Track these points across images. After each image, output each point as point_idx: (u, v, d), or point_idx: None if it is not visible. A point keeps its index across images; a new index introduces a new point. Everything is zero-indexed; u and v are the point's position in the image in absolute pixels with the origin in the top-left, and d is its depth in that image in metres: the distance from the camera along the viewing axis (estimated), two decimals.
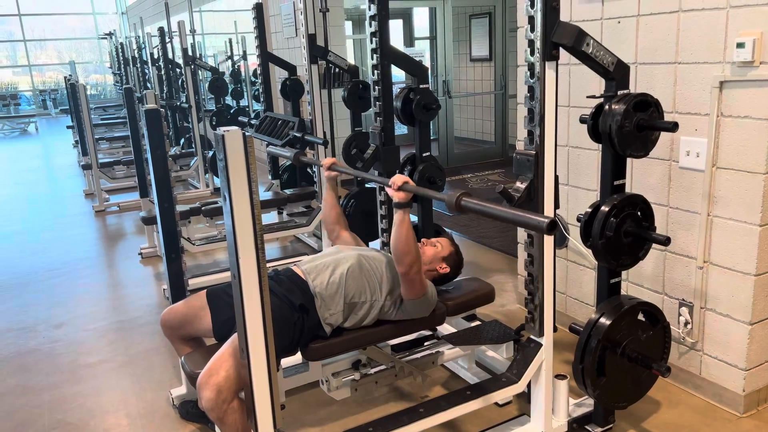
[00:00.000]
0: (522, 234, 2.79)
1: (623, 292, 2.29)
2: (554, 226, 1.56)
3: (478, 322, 2.80)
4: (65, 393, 2.87)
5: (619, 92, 1.99)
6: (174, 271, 2.76)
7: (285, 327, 2.10)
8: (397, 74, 5.17)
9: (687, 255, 2.49)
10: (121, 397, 2.81)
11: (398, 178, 2.11)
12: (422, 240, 2.61)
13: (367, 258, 2.34)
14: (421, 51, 8.95)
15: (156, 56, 8.53)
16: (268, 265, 1.80)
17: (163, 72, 8.04)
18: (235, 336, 1.95)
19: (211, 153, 6.53)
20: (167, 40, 7.59)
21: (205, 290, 2.37)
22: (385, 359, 2.43)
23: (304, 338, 2.17)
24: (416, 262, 2.17)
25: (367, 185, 4.05)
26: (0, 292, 4.23)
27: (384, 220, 3.07)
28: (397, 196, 2.11)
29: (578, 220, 2.12)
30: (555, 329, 2.21)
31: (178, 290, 2.79)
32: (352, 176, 2.57)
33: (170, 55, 7.83)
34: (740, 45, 2.12)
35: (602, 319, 2.08)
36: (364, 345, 2.32)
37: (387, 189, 2.16)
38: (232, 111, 6.89)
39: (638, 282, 2.72)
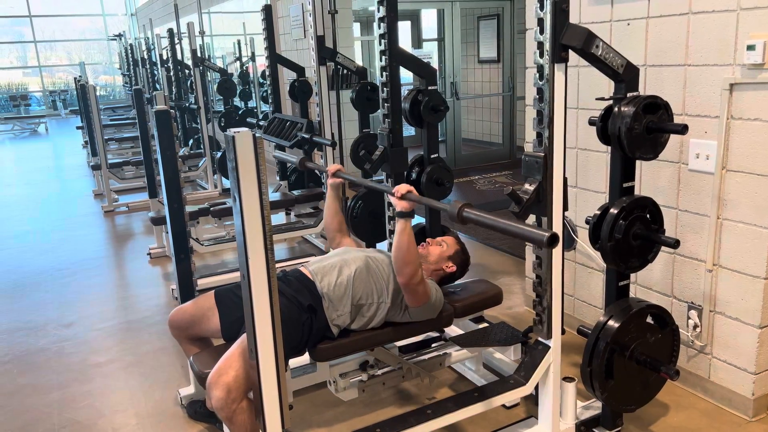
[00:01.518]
0: None
1: (632, 294, 2.28)
2: (555, 240, 1.56)
3: (485, 324, 2.80)
4: (74, 392, 2.89)
5: (629, 94, 1.99)
6: (183, 272, 2.78)
7: (293, 327, 2.11)
8: (405, 76, 5.17)
9: (696, 258, 2.48)
10: (129, 396, 2.83)
11: (402, 187, 2.10)
12: (427, 239, 2.61)
13: (373, 259, 2.35)
14: (429, 53, 8.96)
15: (165, 57, 8.58)
16: (276, 265, 1.80)
17: (172, 73, 8.08)
18: (244, 336, 1.96)
19: (219, 154, 6.55)
20: (176, 41, 7.62)
21: (213, 291, 2.38)
22: (392, 360, 2.43)
23: (312, 339, 2.18)
24: (416, 272, 2.16)
25: None
26: (10, 292, 4.26)
27: (392, 222, 3.07)
28: (399, 205, 2.11)
29: (587, 222, 2.12)
30: (563, 332, 2.21)
31: (186, 290, 2.80)
32: (357, 183, 2.55)
33: (179, 57, 7.86)
34: (750, 47, 2.11)
35: (611, 322, 2.07)
36: (372, 346, 2.33)
37: (390, 197, 2.15)
38: (240, 112, 6.92)
39: (647, 285, 2.71)
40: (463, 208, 1.82)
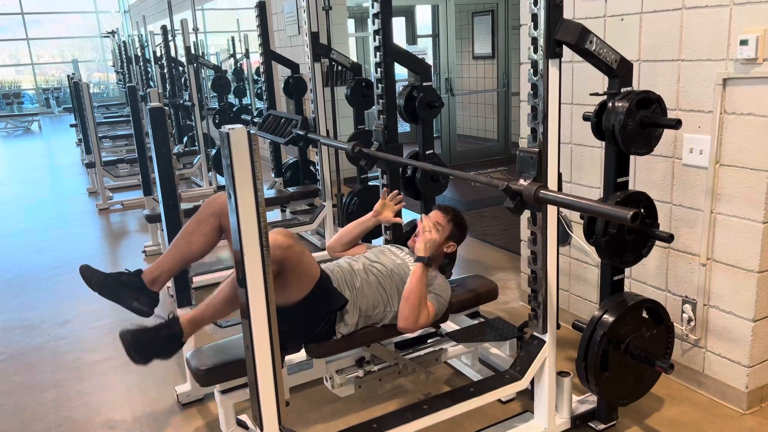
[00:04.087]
0: (525, 232, 2.80)
1: (626, 289, 2.29)
2: (637, 217, 1.57)
3: (481, 320, 2.81)
4: (70, 390, 2.89)
5: (623, 90, 2.00)
6: None
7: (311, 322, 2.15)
8: (400, 72, 5.17)
9: (690, 252, 2.49)
10: (125, 394, 2.82)
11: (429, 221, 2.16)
12: (417, 230, 2.49)
13: (375, 267, 2.37)
14: (424, 49, 8.93)
15: (159, 54, 8.54)
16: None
17: (165, 70, 8.04)
18: None
19: (214, 151, 6.54)
20: (170, 38, 7.59)
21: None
22: (388, 357, 2.44)
23: (315, 339, 2.19)
24: (418, 318, 2.20)
25: (370, 183, 4.06)
26: (5, 290, 4.25)
27: None
28: (418, 249, 2.14)
29: (581, 217, 2.12)
30: (558, 326, 2.22)
31: (182, 288, 2.79)
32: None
33: (173, 54, 7.83)
34: (743, 42, 2.12)
35: (605, 316, 2.08)
36: (368, 343, 2.33)
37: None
38: (235, 109, 6.90)
39: (641, 279, 2.73)
40: (539, 189, 1.82)
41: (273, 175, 5.41)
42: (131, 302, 2.23)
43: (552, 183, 1.99)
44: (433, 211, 2.63)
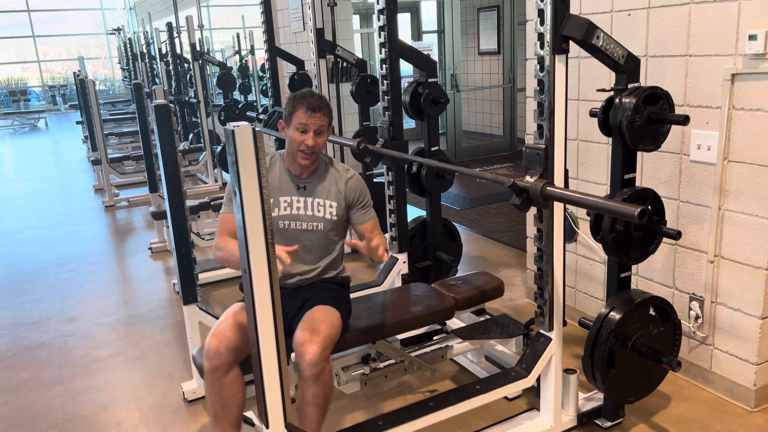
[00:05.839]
0: (531, 228, 2.79)
1: (633, 286, 2.28)
2: (644, 214, 1.56)
3: (487, 317, 2.81)
4: (77, 386, 2.90)
5: (630, 85, 1.98)
6: (184, 266, 2.77)
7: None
8: (405, 68, 5.16)
9: (698, 249, 2.48)
10: (132, 390, 2.83)
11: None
12: (307, 144, 2.14)
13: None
14: (429, 45, 8.92)
15: (164, 51, 8.55)
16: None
17: (171, 67, 8.05)
18: (317, 307, 2.11)
19: (219, 148, 6.54)
20: (175, 35, 7.60)
21: (237, 305, 2.13)
22: (394, 353, 2.43)
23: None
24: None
25: (375, 180, 4.05)
26: (12, 287, 4.27)
27: (392, 215, 3.07)
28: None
29: (588, 214, 2.11)
30: (564, 323, 2.21)
31: (188, 285, 2.80)
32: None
33: (178, 51, 7.84)
34: (752, 37, 2.10)
35: (612, 313, 2.07)
36: (374, 339, 2.33)
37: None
38: (240, 106, 6.90)
39: (648, 276, 2.71)
40: (545, 186, 1.82)
41: None
42: None
43: (558, 180, 1.98)
44: (308, 116, 2.12)
